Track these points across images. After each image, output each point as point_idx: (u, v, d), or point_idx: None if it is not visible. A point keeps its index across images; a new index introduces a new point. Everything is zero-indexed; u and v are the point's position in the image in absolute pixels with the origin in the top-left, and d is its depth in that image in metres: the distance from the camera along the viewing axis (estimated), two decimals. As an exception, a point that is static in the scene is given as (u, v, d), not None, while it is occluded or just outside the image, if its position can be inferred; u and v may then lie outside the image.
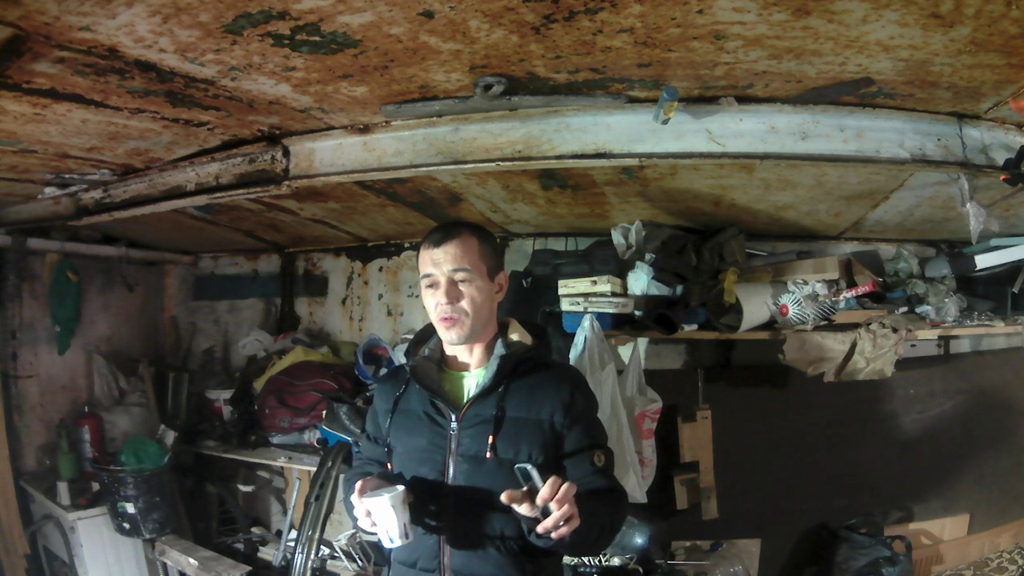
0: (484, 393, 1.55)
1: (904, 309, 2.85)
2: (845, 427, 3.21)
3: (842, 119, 1.97)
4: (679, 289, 2.78)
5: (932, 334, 2.88)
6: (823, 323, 2.73)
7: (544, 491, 1.28)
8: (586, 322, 2.61)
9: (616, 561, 2.62)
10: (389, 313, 3.81)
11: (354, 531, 3.16)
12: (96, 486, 3.37)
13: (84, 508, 3.27)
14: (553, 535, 1.31)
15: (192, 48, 1.60)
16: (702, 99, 1.92)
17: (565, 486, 1.29)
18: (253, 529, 3.69)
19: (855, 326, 2.68)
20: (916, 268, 3.02)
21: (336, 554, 3.19)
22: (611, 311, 2.65)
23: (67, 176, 2.71)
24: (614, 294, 2.69)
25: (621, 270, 2.83)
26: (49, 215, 3.09)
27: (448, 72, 1.77)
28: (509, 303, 1.78)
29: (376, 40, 1.57)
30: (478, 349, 1.62)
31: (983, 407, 3.31)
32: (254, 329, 4.07)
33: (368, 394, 3.27)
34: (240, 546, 3.62)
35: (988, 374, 3.37)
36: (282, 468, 3.68)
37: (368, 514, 1.43)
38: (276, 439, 3.47)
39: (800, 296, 2.71)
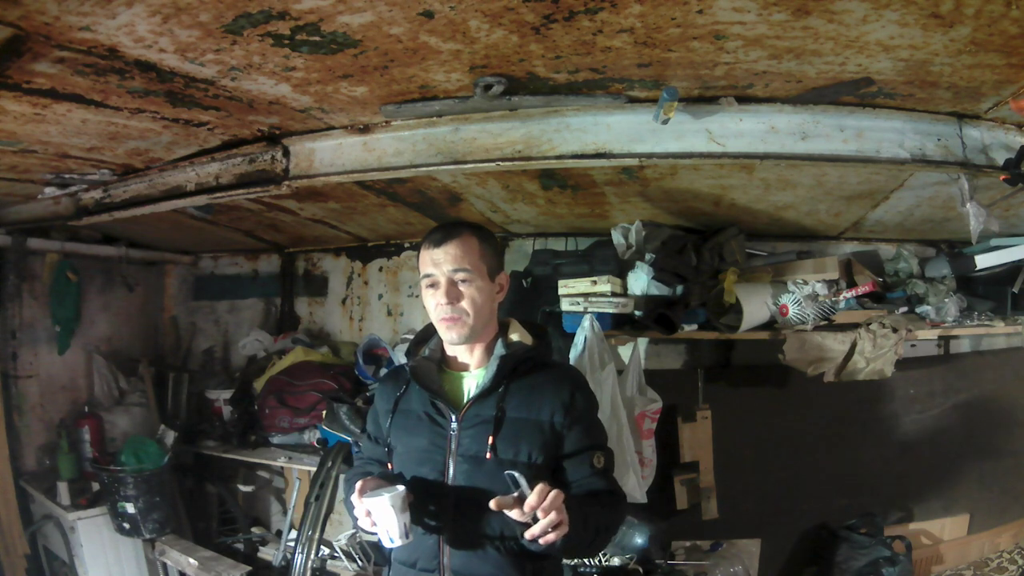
0: (484, 393, 1.55)
1: (904, 309, 2.85)
2: (845, 427, 3.21)
3: (842, 119, 1.96)
4: (679, 289, 2.78)
5: (932, 334, 2.88)
6: (823, 323, 2.73)
7: (531, 499, 1.30)
8: (586, 322, 2.61)
9: (616, 561, 2.62)
10: (389, 313, 3.81)
11: (354, 531, 3.16)
12: (96, 486, 3.36)
13: (84, 508, 3.27)
14: (541, 541, 1.33)
15: (192, 48, 1.60)
16: (702, 99, 1.92)
17: (552, 493, 1.31)
18: (253, 529, 3.69)
19: (855, 326, 2.67)
20: (916, 268, 3.02)
21: (336, 554, 3.19)
22: (611, 311, 2.65)
23: (67, 176, 2.71)
24: (614, 294, 2.69)
25: (621, 270, 2.83)
26: (49, 215, 3.09)
27: (448, 72, 1.77)
28: (509, 303, 1.77)
29: (376, 40, 1.57)
30: (478, 349, 1.62)
31: (983, 407, 3.31)
32: (254, 329, 4.07)
33: (368, 394, 3.27)
34: (240, 546, 3.62)
35: (988, 374, 3.37)
36: (282, 468, 3.68)
37: (368, 514, 1.43)
38: (276, 439, 3.47)
39: (800, 296, 2.71)
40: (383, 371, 3.38)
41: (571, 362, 2.56)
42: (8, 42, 1.51)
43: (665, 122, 1.89)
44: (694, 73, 1.76)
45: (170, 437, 3.54)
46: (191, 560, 3.21)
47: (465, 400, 1.58)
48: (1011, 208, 2.42)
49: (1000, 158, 1.96)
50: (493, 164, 2.11)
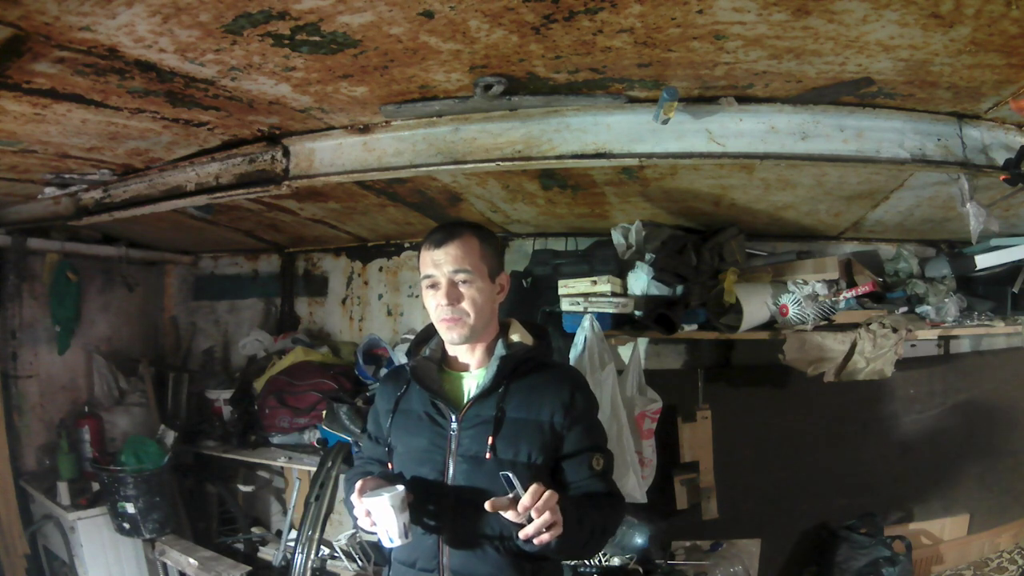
0: (484, 394, 1.55)
1: (904, 309, 2.85)
2: (845, 427, 3.21)
3: (842, 119, 1.96)
4: (679, 289, 2.78)
5: (932, 334, 2.88)
6: (823, 323, 2.73)
7: (525, 499, 1.31)
8: (586, 322, 2.61)
9: (616, 561, 2.62)
10: (389, 313, 3.81)
11: (354, 531, 3.16)
12: (96, 486, 3.36)
13: (84, 508, 3.27)
14: (535, 541, 1.33)
15: (192, 48, 1.60)
16: (702, 99, 1.92)
17: (546, 494, 1.32)
18: (253, 529, 3.69)
19: (855, 326, 2.67)
20: (916, 268, 3.02)
21: (336, 554, 3.19)
22: (611, 311, 2.65)
23: (67, 176, 2.71)
24: (614, 294, 2.69)
25: (621, 270, 2.83)
26: (49, 215, 3.09)
27: (448, 72, 1.77)
28: (509, 303, 1.77)
29: (376, 40, 1.57)
30: (479, 350, 1.62)
31: (983, 407, 3.31)
32: (254, 329, 4.07)
33: (368, 394, 3.27)
34: (240, 546, 3.62)
35: (988, 374, 3.36)
36: (282, 468, 3.68)
37: (368, 514, 1.44)
38: (276, 439, 3.47)
39: (800, 296, 2.71)
40: (383, 371, 3.39)
41: (571, 362, 2.56)
42: (8, 42, 1.51)
43: (665, 122, 1.89)
44: (694, 73, 1.75)
45: (170, 437, 3.54)
46: (191, 560, 3.21)
47: (465, 400, 1.58)
48: (1011, 208, 2.42)
49: (1000, 158, 1.96)
50: (493, 164, 2.11)
